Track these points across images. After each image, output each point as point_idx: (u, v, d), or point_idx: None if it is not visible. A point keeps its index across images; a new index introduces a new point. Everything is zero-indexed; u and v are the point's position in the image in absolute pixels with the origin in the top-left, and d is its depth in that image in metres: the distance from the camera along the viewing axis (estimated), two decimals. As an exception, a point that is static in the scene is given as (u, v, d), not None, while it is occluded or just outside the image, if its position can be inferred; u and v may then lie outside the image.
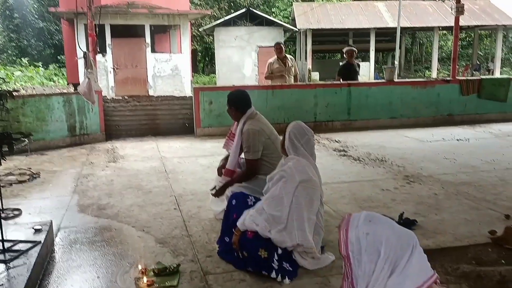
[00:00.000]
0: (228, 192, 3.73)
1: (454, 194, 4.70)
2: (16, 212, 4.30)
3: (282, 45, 8.73)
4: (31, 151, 7.08)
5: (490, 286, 2.79)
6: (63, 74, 24.60)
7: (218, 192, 3.88)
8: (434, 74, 24.50)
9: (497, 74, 23.72)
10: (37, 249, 3.00)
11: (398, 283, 1.64)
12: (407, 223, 3.80)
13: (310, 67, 24.05)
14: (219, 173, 4.15)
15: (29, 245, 3.03)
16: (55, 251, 3.44)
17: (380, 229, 1.71)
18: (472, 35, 30.46)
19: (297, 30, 24.60)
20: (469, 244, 3.45)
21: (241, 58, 21.86)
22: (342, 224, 1.77)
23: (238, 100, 3.94)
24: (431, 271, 1.72)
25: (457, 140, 7.73)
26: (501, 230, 3.55)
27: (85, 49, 7.74)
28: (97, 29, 8.21)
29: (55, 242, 3.60)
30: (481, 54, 33.32)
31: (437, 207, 4.32)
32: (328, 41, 30.23)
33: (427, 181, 5.18)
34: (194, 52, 28.28)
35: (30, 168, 6.00)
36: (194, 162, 6.42)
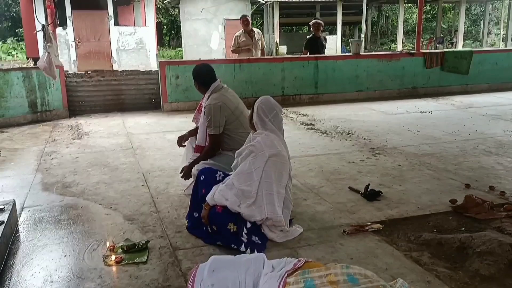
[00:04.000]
0: (194, 170, 3.71)
1: (417, 165, 4.84)
2: (-24, 192, 4.17)
3: (248, 18, 8.62)
4: (-10, 129, 6.84)
5: (450, 253, 2.91)
6: (22, 48, 23.62)
7: (186, 173, 3.85)
8: (399, 47, 24.78)
9: (460, 47, 24.21)
10: (0, 229, 2.93)
11: None
12: (372, 194, 3.89)
13: (278, 40, 23.89)
14: (179, 141, 4.16)
15: (-8, 225, 2.96)
16: (20, 231, 3.37)
17: (224, 275, 1.74)
18: (436, 8, 30.85)
19: (264, 2, 24.26)
20: (430, 213, 3.58)
21: (208, 32, 21.47)
22: (189, 281, 1.79)
23: (202, 75, 3.88)
24: (278, 280, 1.74)
25: (421, 112, 7.91)
26: (461, 199, 3.70)
27: (43, 22, 7.44)
28: (55, 1, 7.88)
29: (19, 222, 3.53)
30: (445, 27, 33.87)
31: (401, 178, 4.44)
32: (295, 14, 30.01)
33: (391, 153, 5.31)
34: (159, 25, 27.63)
35: (-10, 146, 5.82)
36: (162, 138, 6.35)
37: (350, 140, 5.97)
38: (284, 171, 3.13)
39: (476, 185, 4.17)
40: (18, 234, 3.32)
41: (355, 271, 1.74)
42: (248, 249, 2.95)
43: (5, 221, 3.03)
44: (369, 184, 4.00)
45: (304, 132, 6.55)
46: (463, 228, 3.28)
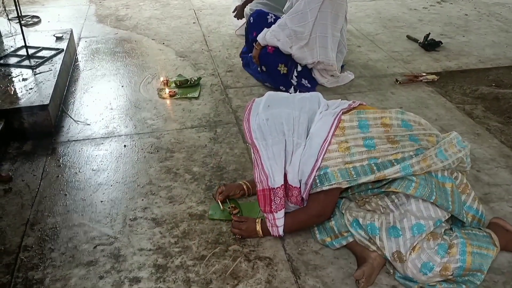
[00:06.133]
0: (247, 9, 3.61)
1: (485, 15, 4.47)
2: (35, 19, 4.26)
3: None
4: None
5: (505, 108, 2.83)
6: None
7: (239, 12, 3.75)
8: None
9: None
10: (61, 56, 3.04)
11: (309, 146, 1.69)
12: (431, 44, 3.70)
13: None
14: None
15: (53, 52, 3.07)
16: (79, 60, 3.50)
17: (278, 111, 1.72)
18: None
19: None
20: (492, 67, 3.41)
21: None
22: (245, 113, 1.77)
23: None
24: (333, 116, 1.72)
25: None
26: (528, 55, 3.47)
27: None
28: None
29: (77, 51, 3.64)
30: None
31: (465, 28, 4.16)
32: None
33: (459, 1, 4.90)
34: None
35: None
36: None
37: (415, -15, 5.50)
38: (340, 13, 2.97)
39: (548, 41, 3.86)
40: (77, 62, 3.46)
41: (409, 117, 1.73)
42: (297, 92, 2.97)
43: (64, 49, 3.13)
44: (429, 34, 3.77)
45: (365, -26, 6.05)
46: (524, 85, 3.14)
